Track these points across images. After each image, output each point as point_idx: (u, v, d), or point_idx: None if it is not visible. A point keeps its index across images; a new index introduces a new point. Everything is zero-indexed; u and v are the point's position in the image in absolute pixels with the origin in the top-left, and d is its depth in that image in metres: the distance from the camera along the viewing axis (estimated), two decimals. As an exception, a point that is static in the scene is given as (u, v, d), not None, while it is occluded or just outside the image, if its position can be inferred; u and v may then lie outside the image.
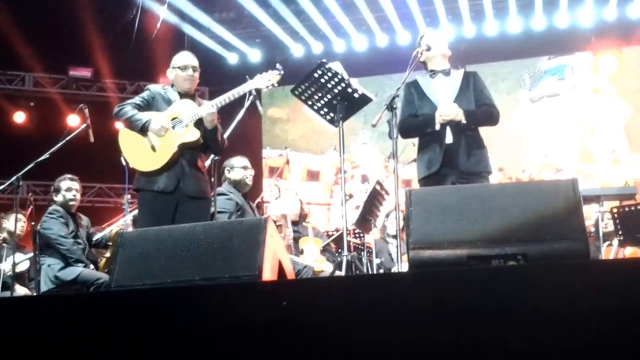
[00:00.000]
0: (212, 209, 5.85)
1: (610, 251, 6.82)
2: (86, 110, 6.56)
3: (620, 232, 6.50)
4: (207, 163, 5.83)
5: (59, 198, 7.14)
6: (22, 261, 7.30)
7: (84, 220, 7.28)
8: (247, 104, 5.97)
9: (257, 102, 6.02)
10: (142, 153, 5.42)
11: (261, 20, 12.26)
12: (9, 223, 7.46)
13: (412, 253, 3.69)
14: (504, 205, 3.71)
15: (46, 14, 10.99)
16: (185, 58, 5.61)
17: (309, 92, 5.44)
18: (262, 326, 2.96)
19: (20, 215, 7.46)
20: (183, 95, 5.57)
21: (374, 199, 7.18)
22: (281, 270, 4.01)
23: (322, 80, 5.35)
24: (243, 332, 2.97)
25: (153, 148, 5.39)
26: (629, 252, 6.75)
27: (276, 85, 5.58)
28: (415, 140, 5.61)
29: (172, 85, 5.62)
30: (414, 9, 11.57)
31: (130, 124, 5.42)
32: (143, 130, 5.38)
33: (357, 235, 8.04)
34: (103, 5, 11.29)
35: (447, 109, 5.33)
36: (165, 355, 3.06)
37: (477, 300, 2.78)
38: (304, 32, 12.38)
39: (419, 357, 2.76)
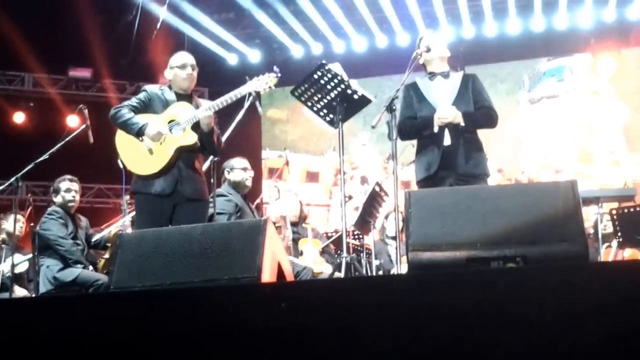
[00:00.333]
0: (212, 211, 5.85)
1: (609, 253, 6.81)
2: (86, 111, 6.55)
3: (619, 234, 6.50)
4: (207, 164, 5.82)
5: (58, 199, 7.14)
6: (21, 262, 7.29)
7: (83, 221, 7.27)
8: (246, 104, 5.96)
9: (257, 103, 6.01)
10: (139, 156, 5.39)
11: (261, 21, 12.25)
12: (8, 224, 7.46)
13: (412, 255, 3.69)
14: (503, 207, 3.71)
15: (46, 14, 10.99)
16: (183, 57, 5.57)
17: (309, 93, 5.44)
18: (261, 328, 2.96)
19: (19, 216, 7.45)
20: (180, 95, 5.53)
21: (373, 201, 7.18)
22: (280, 272, 4.01)
23: (322, 82, 5.34)
24: (242, 334, 2.97)
25: (150, 151, 5.35)
26: (628, 253, 6.75)
27: (274, 88, 5.55)
28: (415, 141, 5.62)
29: (170, 87, 5.58)
30: (413, 10, 11.57)
31: (126, 128, 5.37)
32: (139, 134, 5.34)
33: (356, 236, 8.04)
34: (103, 6, 11.29)
35: (446, 111, 5.34)
36: (164, 357, 3.06)
37: (476, 302, 2.78)
38: (304, 32, 12.37)
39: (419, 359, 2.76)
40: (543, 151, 11.75)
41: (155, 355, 3.08)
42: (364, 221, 7.21)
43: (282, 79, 5.58)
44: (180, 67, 5.51)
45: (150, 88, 5.62)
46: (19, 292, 7.21)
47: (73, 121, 11.56)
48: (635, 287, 2.65)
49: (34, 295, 6.94)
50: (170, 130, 5.36)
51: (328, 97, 5.39)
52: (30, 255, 7.14)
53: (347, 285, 3.48)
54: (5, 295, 6.81)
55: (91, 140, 6.52)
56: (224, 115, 5.73)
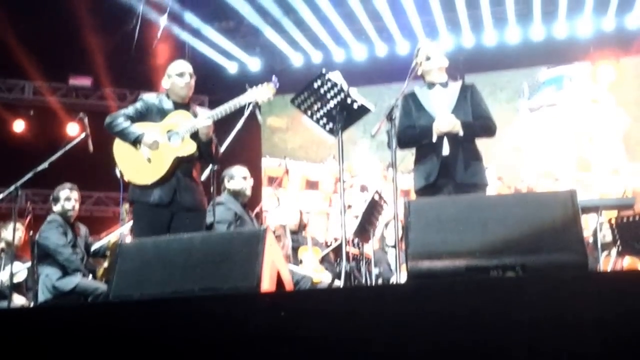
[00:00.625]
0: (212, 219, 5.83)
1: (608, 261, 6.81)
2: (86, 120, 6.55)
3: (618, 243, 6.49)
4: (206, 173, 5.81)
5: (57, 207, 7.14)
6: (20, 271, 7.29)
7: (83, 229, 7.27)
8: (246, 113, 5.95)
9: (257, 112, 6.00)
10: (137, 165, 5.37)
11: (261, 29, 12.28)
12: (7, 232, 7.46)
13: (411, 264, 3.69)
14: (503, 216, 3.71)
15: (46, 22, 10.99)
16: (181, 65, 5.56)
17: (309, 102, 5.43)
18: (260, 337, 2.96)
19: (18, 225, 7.44)
20: (178, 104, 5.51)
21: (372, 209, 7.18)
22: (280, 281, 4.01)
23: (322, 91, 5.34)
24: (242, 343, 2.97)
25: (148, 160, 5.32)
26: (627, 262, 6.74)
27: (272, 98, 5.55)
28: (414, 150, 5.63)
29: (168, 95, 5.56)
30: (413, 19, 11.59)
31: (123, 136, 5.35)
32: (135, 143, 5.32)
33: (355, 245, 8.03)
34: (103, 14, 11.30)
35: (445, 120, 5.35)
36: (164, 366, 3.06)
37: (476, 311, 2.78)
38: (304, 41, 12.39)
39: (418, 369, 2.76)
40: (543, 159, 11.75)
41: (155, 364, 3.08)
42: (364, 229, 7.20)
43: (282, 87, 5.59)
44: (178, 75, 5.49)
45: (147, 97, 5.61)
46: (18, 300, 7.21)
47: (73, 129, 11.61)
48: (633, 297, 2.65)
49: (32, 304, 6.94)
50: (168, 139, 5.35)
51: (328, 106, 5.38)
52: (30, 264, 7.14)
53: (346, 294, 3.48)
54: (4, 303, 6.80)
55: (91, 148, 6.52)
56: (223, 124, 5.71)
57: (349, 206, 11.93)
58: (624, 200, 7.28)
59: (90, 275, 6.93)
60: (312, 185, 12.89)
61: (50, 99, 12.90)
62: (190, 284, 3.73)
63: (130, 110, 5.48)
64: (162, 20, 11.71)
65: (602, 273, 5.45)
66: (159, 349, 3.08)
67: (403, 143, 5.53)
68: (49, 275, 6.80)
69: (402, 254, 5.05)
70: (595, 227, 6.84)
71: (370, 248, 7.61)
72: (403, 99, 5.53)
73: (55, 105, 12.79)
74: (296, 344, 2.91)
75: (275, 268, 3.95)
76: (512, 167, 11.79)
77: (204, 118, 5.37)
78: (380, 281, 7.58)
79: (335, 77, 5.33)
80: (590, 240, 6.98)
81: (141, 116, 5.46)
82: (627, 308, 2.64)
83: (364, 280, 7.27)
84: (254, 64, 12.95)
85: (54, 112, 12.67)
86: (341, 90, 5.30)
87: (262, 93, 5.47)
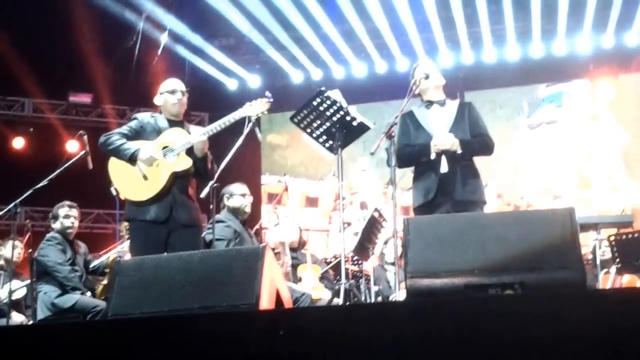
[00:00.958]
0: (211, 237, 5.83)
1: (607, 279, 6.80)
2: (85, 137, 6.55)
3: (617, 260, 6.48)
4: (206, 190, 5.80)
5: (56, 225, 7.13)
6: (18, 288, 7.27)
7: (82, 247, 7.26)
8: (246, 130, 5.95)
9: (257, 130, 6.01)
10: (133, 182, 5.36)
11: (261, 46, 12.31)
12: (6, 250, 7.45)
13: (410, 282, 3.69)
14: (502, 234, 3.72)
15: (46, 40, 11.03)
16: (173, 83, 5.60)
17: (308, 119, 5.46)
18: (260, 355, 2.95)
19: (17, 242, 7.44)
20: (172, 121, 5.53)
21: (372, 227, 7.17)
22: (279, 299, 4.01)
23: (321, 108, 5.36)
24: (240, 361, 2.97)
25: (144, 177, 5.33)
26: (627, 279, 6.73)
27: (266, 113, 5.56)
28: (413, 167, 5.63)
29: (161, 112, 5.58)
30: (413, 36, 11.63)
31: (118, 153, 5.35)
32: (132, 160, 5.33)
33: (355, 262, 8.03)
34: (103, 32, 11.33)
35: (443, 138, 5.36)
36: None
37: (475, 329, 2.78)
38: (304, 58, 12.42)
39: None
40: (542, 176, 11.75)
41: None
42: (363, 247, 7.19)
43: (281, 104, 5.60)
44: (169, 92, 5.53)
45: (142, 116, 5.63)
46: (17, 318, 7.19)
47: (73, 146, 11.59)
48: (633, 314, 2.65)
49: (31, 322, 6.93)
50: (164, 156, 5.36)
51: (327, 124, 5.40)
52: (29, 281, 7.13)
53: (345, 312, 3.48)
54: (3, 321, 6.78)
55: (90, 165, 6.52)
56: (223, 141, 5.72)
57: (349, 223, 11.93)
58: (622, 217, 7.29)
59: (89, 293, 6.92)
60: (311, 202, 12.89)
61: (50, 116, 12.92)
62: (189, 301, 3.73)
63: (124, 129, 5.50)
64: (163, 38, 11.74)
65: (601, 291, 5.44)
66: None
67: (402, 161, 5.54)
68: (47, 292, 6.78)
69: (401, 271, 5.05)
70: (594, 244, 6.84)
71: (369, 265, 7.61)
72: (401, 117, 5.53)
73: (55, 123, 12.80)
74: (295, 362, 2.91)
75: (274, 286, 3.95)
76: (511, 184, 11.80)
77: (199, 134, 5.39)
78: (379, 299, 7.57)
79: (335, 95, 5.35)
80: (589, 257, 6.98)
81: (136, 134, 5.47)
82: (627, 325, 2.63)
83: (363, 298, 7.26)
84: (254, 81, 12.98)
85: (54, 129, 12.68)
86: (340, 108, 5.32)
87: (255, 108, 5.48)
